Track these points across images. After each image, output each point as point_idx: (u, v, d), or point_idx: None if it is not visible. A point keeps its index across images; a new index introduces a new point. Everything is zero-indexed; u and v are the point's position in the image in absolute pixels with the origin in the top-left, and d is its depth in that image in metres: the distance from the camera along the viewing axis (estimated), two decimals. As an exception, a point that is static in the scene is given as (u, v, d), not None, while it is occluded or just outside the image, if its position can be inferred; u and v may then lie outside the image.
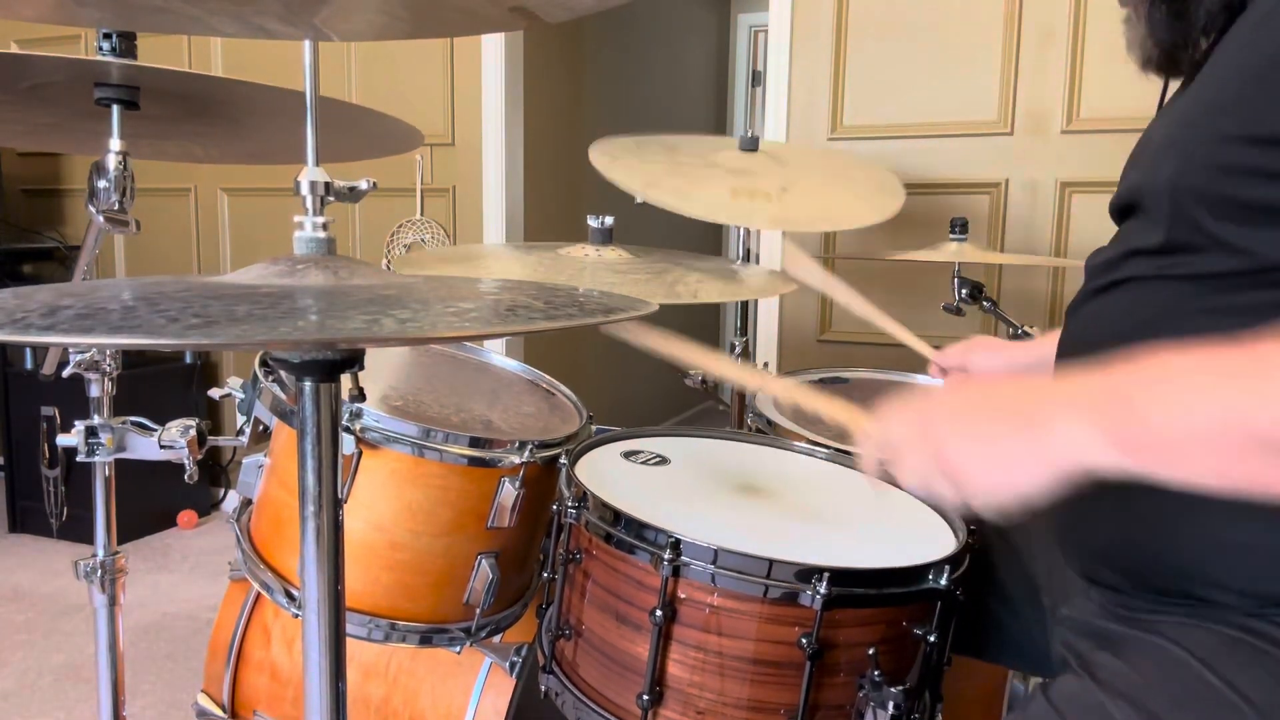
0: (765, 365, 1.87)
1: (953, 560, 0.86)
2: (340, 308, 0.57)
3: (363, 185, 0.71)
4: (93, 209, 1.11)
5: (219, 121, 1.19)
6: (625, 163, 1.56)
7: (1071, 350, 0.85)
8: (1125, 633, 0.77)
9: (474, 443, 1.14)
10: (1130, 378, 0.62)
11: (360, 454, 1.12)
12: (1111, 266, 0.81)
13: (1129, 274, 0.79)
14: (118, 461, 1.24)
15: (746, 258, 1.86)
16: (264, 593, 1.20)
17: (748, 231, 1.84)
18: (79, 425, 1.20)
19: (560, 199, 3.48)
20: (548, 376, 1.48)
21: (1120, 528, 0.78)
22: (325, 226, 0.70)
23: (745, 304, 1.87)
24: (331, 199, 0.70)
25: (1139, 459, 0.60)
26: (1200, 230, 0.72)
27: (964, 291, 1.60)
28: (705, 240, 5.18)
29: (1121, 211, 0.84)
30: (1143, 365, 0.61)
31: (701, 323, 5.27)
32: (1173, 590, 0.75)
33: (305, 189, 0.70)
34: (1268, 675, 0.67)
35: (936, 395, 0.73)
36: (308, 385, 0.67)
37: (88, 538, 1.28)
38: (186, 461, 1.20)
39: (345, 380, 0.83)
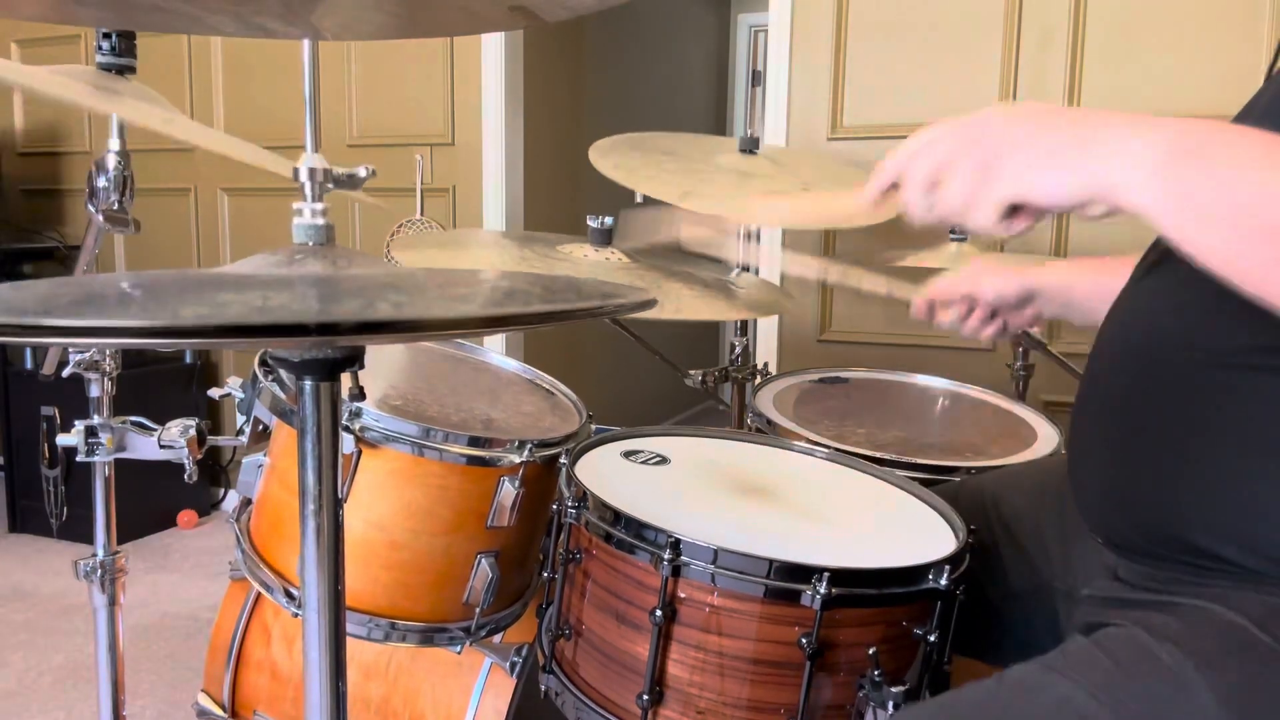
0: (765, 365, 1.87)
1: (953, 560, 0.86)
2: (334, 295, 0.56)
3: (361, 172, 0.70)
4: (93, 208, 1.11)
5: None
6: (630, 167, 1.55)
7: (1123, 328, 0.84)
8: (1166, 600, 0.75)
9: (474, 442, 1.14)
10: (1208, 128, 0.60)
11: (360, 453, 1.12)
12: None
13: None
14: (118, 461, 1.24)
15: (745, 267, 1.86)
16: (264, 592, 1.20)
17: (746, 239, 1.84)
18: (79, 425, 1.20)
19: (560, 199, 3.48)
20: (547, 376, 1.48)
21: (1165, 499, 0.77)
22: (324, 213, 0.69)
23: (745, 304, 1.87)
24: (330, 186, 0.69)
25: (1175, 204, 0.59)
26: None
27: (964, 292, 1.59)
28: (705, 240, 5.18)
29: None
30: (1222, 124, 0.61)
31: (701, 321, 5.27)
32: (1214, 558, 0.74)
33: (304, 175, 0.69)
34: None
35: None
36: (307, 384, 0.67)
37: (88, 538, 1.28)
38: (186, 461, 1.20)
39: (345, 379, 0.82)
